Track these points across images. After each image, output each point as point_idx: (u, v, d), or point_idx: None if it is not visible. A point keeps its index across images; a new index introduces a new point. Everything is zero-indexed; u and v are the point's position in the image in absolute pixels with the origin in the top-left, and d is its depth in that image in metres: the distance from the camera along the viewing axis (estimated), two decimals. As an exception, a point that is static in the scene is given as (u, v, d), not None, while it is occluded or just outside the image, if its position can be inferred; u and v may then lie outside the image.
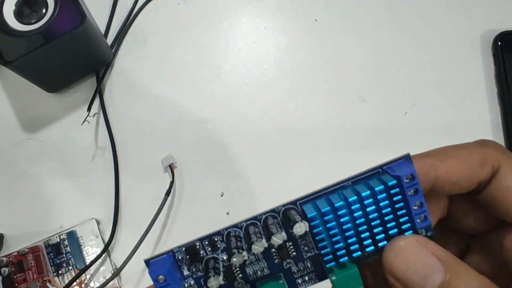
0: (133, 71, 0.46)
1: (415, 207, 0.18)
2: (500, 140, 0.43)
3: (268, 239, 0.17)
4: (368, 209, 0.18)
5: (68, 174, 0.43)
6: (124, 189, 0.43)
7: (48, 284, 0.39)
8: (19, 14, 0.38)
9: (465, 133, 0.43)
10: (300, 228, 0.17)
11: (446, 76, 0.45)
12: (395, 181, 0.17)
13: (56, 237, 0.40)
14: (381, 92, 0.44)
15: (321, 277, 0.19)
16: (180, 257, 0.19)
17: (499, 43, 0.44)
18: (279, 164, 0.43)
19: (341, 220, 0.17)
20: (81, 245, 0.41)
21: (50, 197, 0.43)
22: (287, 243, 0.19)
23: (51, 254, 0.40)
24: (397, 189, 0.17)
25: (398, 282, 0.16)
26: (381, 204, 0.18)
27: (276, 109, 0.44)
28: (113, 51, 0.46)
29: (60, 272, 0.40)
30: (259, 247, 0.17)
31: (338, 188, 0.18)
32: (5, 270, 0.39)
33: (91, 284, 0.40)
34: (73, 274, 0.40)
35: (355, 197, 0.17)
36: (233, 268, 0.19)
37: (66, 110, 0.45)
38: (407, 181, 0.17)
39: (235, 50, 0.46)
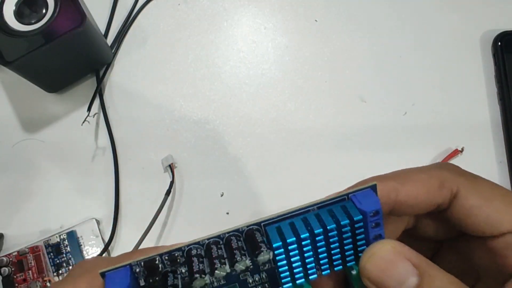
0: (133, 71, 0.46)
1: (374, 238, 0.18)
2: (500, 140, 0.43)
3: (232, 265, 0.17)
4: (331, 240, 0.18)
5: (68, 174, 0.43)
6: (124, 189, 0.43)
7: (48, 284, 0.39)
8: (19, 14, 0.38)
9: (465, 133, 0.43)
10: (264, 257, 0.17)
11: (446, 76, 0.45)
12: (361, 217, 0.18)
13: (56, 237, 0.40)
14: (381, 92, 0.45)
15: None
16: (137, 270, 0.18)
17: (499, 43, 0.44)
18: (279, 164, 0.43)
19: (304, 249, 0.18)
20: (81, 245, 0.41)
21: (50, 197, 0.43)
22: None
23: (51, 254, 0.40)
24: (361, 223, 0.18)
25: (376, 286, 0.17)
26: (344, 235, 0.18)
27: (276, 109, 0.44)
28: (113, 51, 0.46)
29: (60, 272, 0.40)
30: (221, 272, 0.17)
31: (303, 212, 0.18)
32: (5, 270, 0.39)
33: (91, 284, 0.40)
34: (73, 274, 0.39)
35: (321, 230, 0.18)
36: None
37: (66, 110, 0.45)
38: (371, 215, 0.18)
39: (235, 50, 0.46)
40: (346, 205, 0.18)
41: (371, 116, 0.44)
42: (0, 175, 0.43)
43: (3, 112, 0.45)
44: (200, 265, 0.18)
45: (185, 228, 0.41)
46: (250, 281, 0.19)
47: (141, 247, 0.38)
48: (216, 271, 0.17)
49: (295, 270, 0.18)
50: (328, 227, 0.18)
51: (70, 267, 0.40)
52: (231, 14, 0.47)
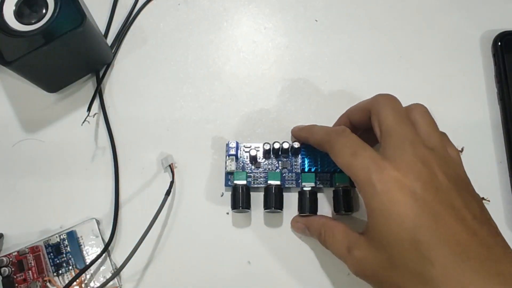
0: (133, 71, 0.46)
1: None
2: (500, 140, 0.43)
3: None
4: None
5: (68, 174, 0.43)
6: (124, 189, 0.43)
7: (48, 284, 0.39)
8: (19, 14, 0.38)
9: (465, 133, 0.43)
10: None
11: (446, 76, 0.45)
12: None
13: (56, 237, 0.40)
14: (381, 92, 0.44)
15: (298, 185, 0.40)
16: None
17: (499, 43, 0.44)
18: (279, 164, 0.43)
19: None
20: (81, 245, 0.41)
21: (50, 197, 0.43)
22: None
23: (51, 254, 0.40)
24: None
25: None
26: None
27: (276, 109, 0.44)
28: (113, 51, 0.46)
29: (60, 272, 0.40)
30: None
31: None
32: (5, 270, 0.39)
33: (91, 284, 0.40)
34: (73, 274, 0.40)
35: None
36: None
37: (66, 110, 0.45)
38: None
39: (235, 50, 0.46)
40: None
41: (371, 116, 0.44)
42: (0, 175, 0.43)
43: (3, 112, 0.45)
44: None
45: (185, 228, 0.41)
46: (286, 176, 0.40)
47: (141, 247, 0.38)
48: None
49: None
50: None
51: (70, 267, 0.40)
52: (231, 14, 0.47)
